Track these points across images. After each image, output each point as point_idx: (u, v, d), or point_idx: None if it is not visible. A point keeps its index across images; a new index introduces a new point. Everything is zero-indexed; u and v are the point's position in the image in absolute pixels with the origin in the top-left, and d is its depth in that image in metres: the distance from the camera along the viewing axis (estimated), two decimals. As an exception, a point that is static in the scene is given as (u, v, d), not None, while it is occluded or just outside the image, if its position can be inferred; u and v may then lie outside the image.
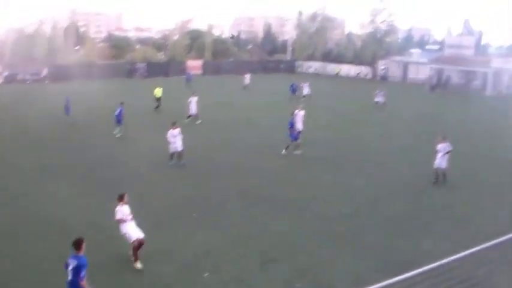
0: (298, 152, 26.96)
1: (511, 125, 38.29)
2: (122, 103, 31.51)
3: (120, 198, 13.87)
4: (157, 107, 40.75)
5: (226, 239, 16.03)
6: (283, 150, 26.89)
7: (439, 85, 67.60)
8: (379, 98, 47.46)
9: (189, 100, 35.85)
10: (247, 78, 59.91)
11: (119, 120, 30.67)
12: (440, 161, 22.32)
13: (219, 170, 24.00)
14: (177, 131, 23.85)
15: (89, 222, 16.88)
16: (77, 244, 10.37)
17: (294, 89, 51.15)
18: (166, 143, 24.18)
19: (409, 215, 18.87)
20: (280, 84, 61.48)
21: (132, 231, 13.62)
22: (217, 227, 16.95)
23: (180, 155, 24.13)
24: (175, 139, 23.79)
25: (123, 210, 13.69)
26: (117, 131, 30.66)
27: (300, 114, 28.13)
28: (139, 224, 14.04)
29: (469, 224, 18.06)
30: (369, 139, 32.77)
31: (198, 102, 35.98)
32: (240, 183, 21.86)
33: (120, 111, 30.71)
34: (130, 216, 13.76)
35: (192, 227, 16.87)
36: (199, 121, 35.29)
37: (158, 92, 41.61)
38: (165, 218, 17.66)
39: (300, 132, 27.72)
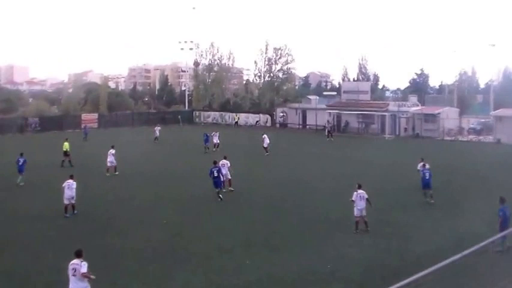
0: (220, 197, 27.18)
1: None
2: (22, 154, 32.36)
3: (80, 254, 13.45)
4: (63, 161, 39.00)
5: None
6: (219, 199, 27.07)
7: (337, 130, 67.81)
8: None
9: (108, 152, 36.08)
10: (157, 130, 59.04)
11: (21, 169, 31.67)
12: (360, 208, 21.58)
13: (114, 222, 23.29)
14: (72, 182, 24.14)
15: None
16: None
17: (207, 139, 49.68)
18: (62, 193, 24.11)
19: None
20: (185, 134, 60.53)
21: None
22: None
23: (73, 206, 24.27)
24: (70, 190, 23.92)
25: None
26: (20, 180, 31.46)
27: (224, 162, 29.43)
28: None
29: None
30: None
31: (115, 154, 36.08)
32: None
33: (24, 161, 31.88)
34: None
35: None
36: (117, 173, 35.59)
37: (66, 145, 39.85)
38: None
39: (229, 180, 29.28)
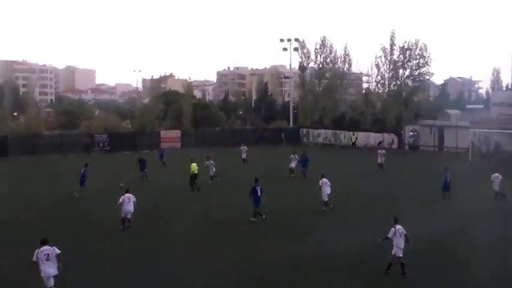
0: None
1: None
2: (86, 164, 41.30)
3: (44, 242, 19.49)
4: (192, 185, 43.56)
5: None
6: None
7: (488, 155, 67.17)
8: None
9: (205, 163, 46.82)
10: (244, 150, 61.78)
11: (82, 181, 40.19)
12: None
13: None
14: (130, 195, 30.78)
15: None
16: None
17: (304, 162, 51.04)
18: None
19: None
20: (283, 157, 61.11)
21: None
22: None
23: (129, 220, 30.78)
24: (128, 204, 30.55)
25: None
26: (78, 191, 40.12)
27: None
28: None
29: None
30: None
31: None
32: None
33: (84, 172, 40.23)
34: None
35: None
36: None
37: (194, 167, 43.93)
38: None
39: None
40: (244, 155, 61.62)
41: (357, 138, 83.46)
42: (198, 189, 42.83)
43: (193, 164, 43.79)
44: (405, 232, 22.83)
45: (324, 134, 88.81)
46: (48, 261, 19.02)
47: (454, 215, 34.97)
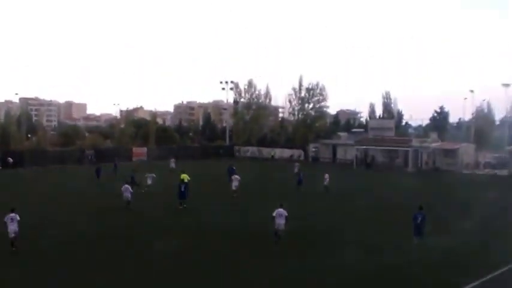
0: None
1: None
2: (183, 180, 35.65)
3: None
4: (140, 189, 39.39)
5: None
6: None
7: (366, 163, 69.39)
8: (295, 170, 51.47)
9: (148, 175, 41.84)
10: (173, 161, 59.88)
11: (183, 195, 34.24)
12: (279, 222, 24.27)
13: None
14: (13, 215, 22.31)
15: None
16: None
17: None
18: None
19: None
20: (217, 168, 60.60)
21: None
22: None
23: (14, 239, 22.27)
24: (11, 224, 22.05)
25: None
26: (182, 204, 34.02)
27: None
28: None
29: None
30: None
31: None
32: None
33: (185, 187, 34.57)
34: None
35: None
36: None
37: (184, 177, 38.18)
38: None
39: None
40: (173, 165, 58.46)
41: (275, 153, 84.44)
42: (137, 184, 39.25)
43: (184, 175, 38.17)
44: (286, 214, 24.05)
45: (251, 150, 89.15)
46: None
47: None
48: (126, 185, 34.45)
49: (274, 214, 24.24)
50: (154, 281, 19.03)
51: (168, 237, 26.14)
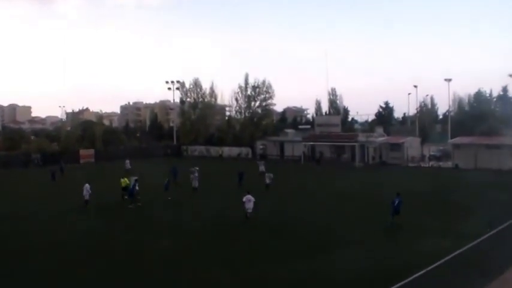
0: None
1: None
2: (398, 194, 28.33)
3: None
4: (123, 196, 37.11)
5: None
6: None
7: (315, 159, 69.06)
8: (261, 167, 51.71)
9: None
10: (128, 163, 59.64)
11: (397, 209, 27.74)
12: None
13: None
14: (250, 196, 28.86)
15: None
16: None
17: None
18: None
19: None
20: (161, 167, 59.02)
21: None
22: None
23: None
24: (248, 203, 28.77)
25: None
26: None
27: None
28: None
29: None
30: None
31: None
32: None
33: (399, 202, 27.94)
34: None
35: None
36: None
37: (124, 181, 37.76)
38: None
39: None
40: (128, 166, 58.26)
41: (222, 151, 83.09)
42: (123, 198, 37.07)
43: (125, 179, 38.08)
44: (253, 199, 28.42)
45: (198, 149, 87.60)
46: None
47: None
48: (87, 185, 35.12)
49: (244, 199, 28.41)
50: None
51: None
